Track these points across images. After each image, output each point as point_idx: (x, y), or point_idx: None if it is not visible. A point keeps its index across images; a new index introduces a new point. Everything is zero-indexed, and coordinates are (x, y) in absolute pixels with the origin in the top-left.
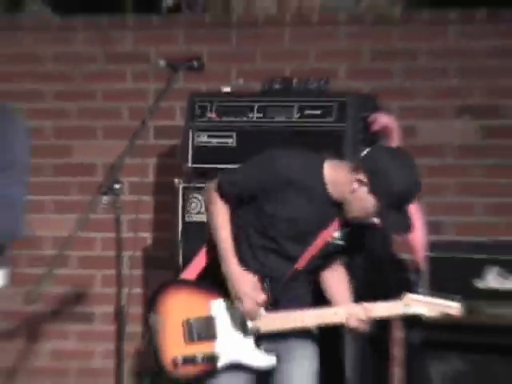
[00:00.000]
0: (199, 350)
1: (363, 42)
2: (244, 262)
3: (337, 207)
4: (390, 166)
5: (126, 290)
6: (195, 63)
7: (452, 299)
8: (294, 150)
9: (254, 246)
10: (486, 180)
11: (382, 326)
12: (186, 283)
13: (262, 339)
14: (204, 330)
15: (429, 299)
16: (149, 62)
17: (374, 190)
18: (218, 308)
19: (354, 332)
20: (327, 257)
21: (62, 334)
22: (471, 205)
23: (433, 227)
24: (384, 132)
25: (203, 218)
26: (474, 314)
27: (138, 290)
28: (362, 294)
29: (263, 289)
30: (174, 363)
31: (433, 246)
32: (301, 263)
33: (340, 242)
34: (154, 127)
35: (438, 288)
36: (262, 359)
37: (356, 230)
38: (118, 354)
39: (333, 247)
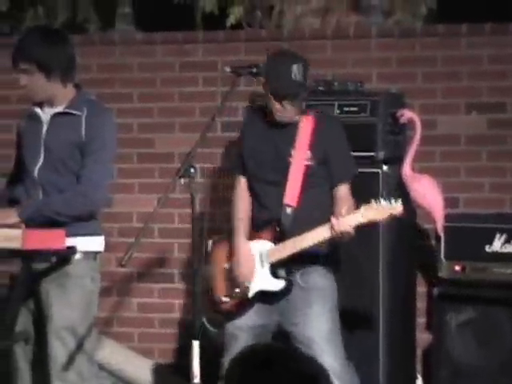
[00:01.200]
0: (235, 288)
1: (391, 51)
2: (258, 214)
3: (285, 128)
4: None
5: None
6: (254, 70)
7: (395, 201)
8: None
9: (257, 193)
10: (491, 163)
11: (408, 283)
12: (225, 238)
13: (278, 268)
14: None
15: (377, 205)
16: (216, 69)
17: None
18: None
19: (341, 239)
20: (312, 186)
21: (148, 290)
22: (481, 184)
23: (449, 202)
24: (409, 124)
25: None
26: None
27: None
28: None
29: (273, 230)
30: (220, 302)
31: (450, 217)
32: (291, 198)
33: (312, 163)
34: (221, 122)
35: (455, 252)
36: (275, 284)
37: (327, 142)
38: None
39: (311, 171)
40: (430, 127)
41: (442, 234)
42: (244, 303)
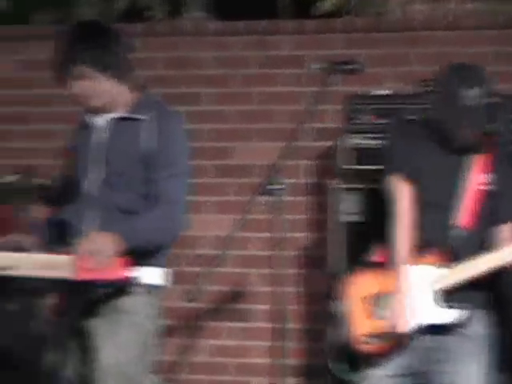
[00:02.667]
0: (387, 325)
1: None
2: (425, 235)
3: (465, 149)
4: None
5: (282, 289)
6: (350, 66)
7: None
8: None
9: (427, 214)
10: None
11: None
12: (369, 266)
13: (451, 295)
14: (389, 305)
15: None
16: (304, 66)
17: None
18: None
19: None
20: (489, 210)
21: (221, 330)
22: None
23: None
24: None
25: (355, 218)
26: None
27: (291, 289)
28: None
29: (443, 252)
30: (366, 342)
31: None
32: (464, 219)
33: (492, 188)
34: (309, 129)
35: None
36: (448, 315)
37: (506, 171)
38: (274, 351)
39: (489, 196)
40: None
41: None
42: (398, 345)
